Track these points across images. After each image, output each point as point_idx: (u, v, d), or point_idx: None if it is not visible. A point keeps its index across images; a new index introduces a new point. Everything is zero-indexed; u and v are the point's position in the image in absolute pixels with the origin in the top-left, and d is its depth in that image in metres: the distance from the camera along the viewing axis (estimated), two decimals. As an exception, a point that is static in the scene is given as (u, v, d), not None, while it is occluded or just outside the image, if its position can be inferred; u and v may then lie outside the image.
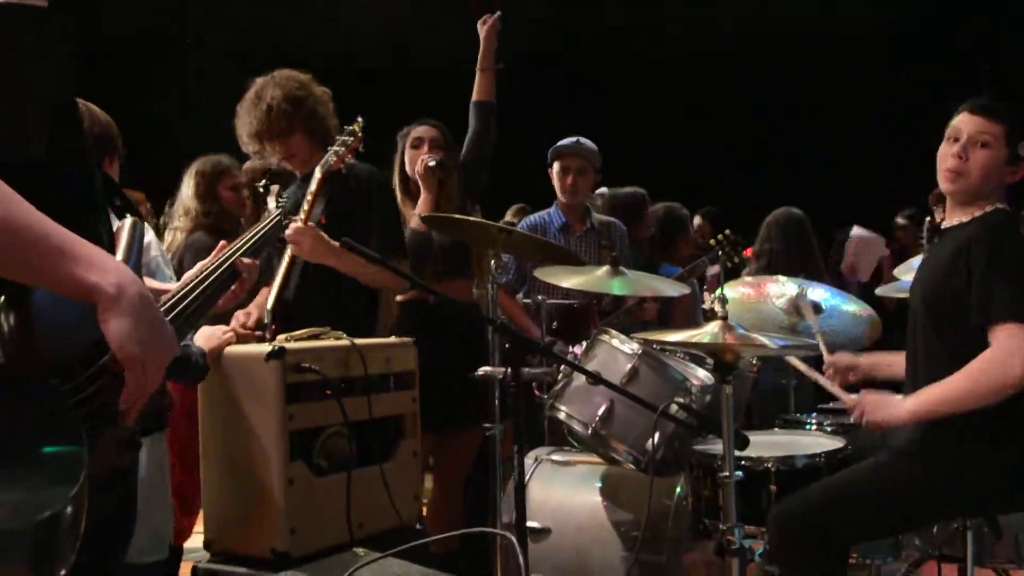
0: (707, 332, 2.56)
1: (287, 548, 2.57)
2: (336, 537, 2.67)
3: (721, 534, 2.58)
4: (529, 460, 3.36)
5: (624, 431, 2.87)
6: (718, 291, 2.66)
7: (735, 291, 3.95)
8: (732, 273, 4.85)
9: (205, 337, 2.72)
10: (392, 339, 3.02)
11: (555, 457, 3.35)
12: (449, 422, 3.50)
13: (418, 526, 2.98)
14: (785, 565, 2.72)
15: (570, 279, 3.44)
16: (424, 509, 3.70)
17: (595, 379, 2.61)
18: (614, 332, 3.01)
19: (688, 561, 3.15)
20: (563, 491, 3.30)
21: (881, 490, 2.68)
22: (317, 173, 3.13)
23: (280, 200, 3.10)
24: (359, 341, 2.87)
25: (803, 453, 2.94)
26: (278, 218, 2.74)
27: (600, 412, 2.87)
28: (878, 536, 2.91)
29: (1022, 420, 2.58)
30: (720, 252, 4.89)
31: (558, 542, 3.19)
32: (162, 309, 1.68)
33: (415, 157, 3.75)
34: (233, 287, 2.21)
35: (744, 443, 2.76)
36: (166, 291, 2.05)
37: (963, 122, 2.68)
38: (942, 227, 2.82)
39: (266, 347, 2.64)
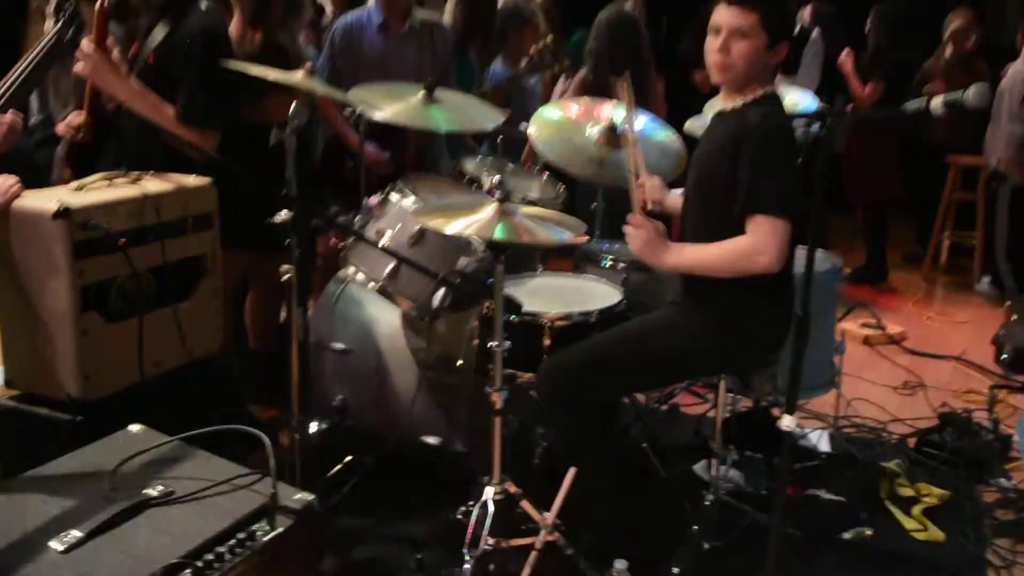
0: (482, 220, 2.67)
1: (81, 394, 2.75)
2: (129, 378, 2.85)
3: (490, 394, 2.82)
4: (336, 283, 3.52)
5: (408, 289, 3.05)
6: (496, 178, 2.75)
7: (559, 111, 4.03)
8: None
9: None
10: (191, 181, 3.06)
11: (359, 278, 3.47)
12: (262, 244, 3.57)
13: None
14: (551, 419, 3.01)
15: (385, 106, 3.46)
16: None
17: (377, 246, 2.74)
18: (407, 190, 3.09)
19: (477, 384, 3.44)
20: (366, 314, 3.49)
21: (640, 353, 2.93)
22: None
23: (61, 15, 2.90)
24: (152, 188, 2.91)
25: (578, 310, 3.16)
26: (51, 41, 2.67)
27: (387, 271, 3.02)
28: (635, 392, 3.21)
29: (766, 286, 2.81)
30: (541, 60, 4.69)
31: (359, 362, 3.43)
32: None
33: None
34: None
35: (517, 310, 2.98)
36: None
37: (720, 15, 2.76)
38: (720, 110, 2.93)
39: (53, 204, 2.66)
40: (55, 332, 2.74)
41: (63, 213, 2.65)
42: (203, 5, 3.31)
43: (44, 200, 2.72)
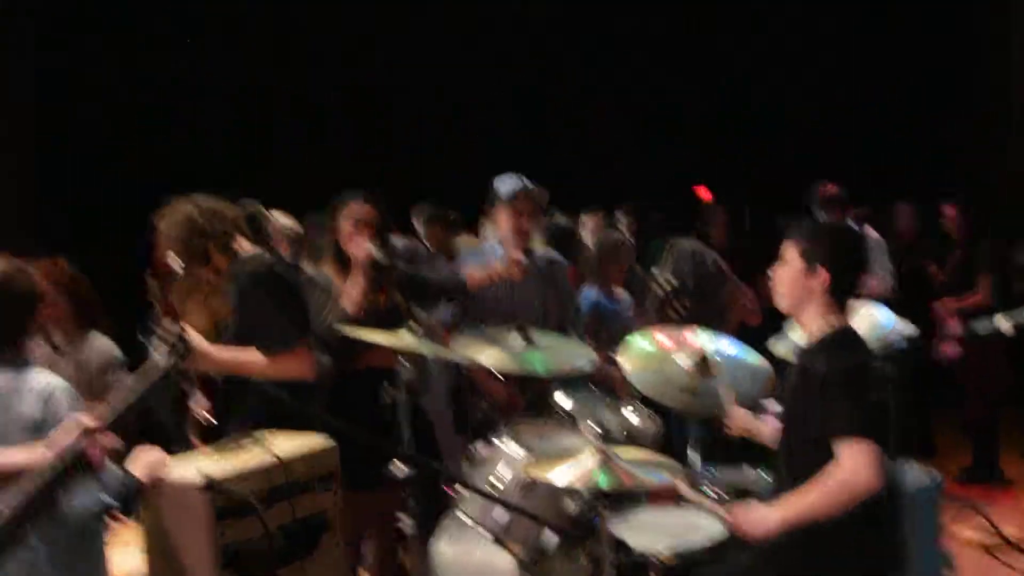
0: (585, 468, 2.86)
1: (220, 651, 2.94)
2: (266, 633, 3.03)
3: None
4: (468, 520, 3.65)
5: (519, 535, 3.22)
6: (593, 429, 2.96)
7: (649, 342, 4.25)
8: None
9: (142, 464, 3.00)
10: (315, 443, 3.32)
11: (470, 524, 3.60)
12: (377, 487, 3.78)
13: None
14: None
15: (485, 353, 3.74)
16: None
17: (489, 497, 2.94)
18: (511, 438, 3.32)
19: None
20: (482, 555, 3.62)
21: None
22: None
23: (172, 349, 3.04)
24: (281, 450, 3.19)
25: (685, 545, 3.27)
26: (160, 372, 2.90)
27: (498, 520, 3.21)
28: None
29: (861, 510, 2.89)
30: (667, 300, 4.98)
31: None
32: None
33: (353, 236, 3.93)
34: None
35: (627, 551, 3.12)
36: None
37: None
38: (800, 346, 3.13)
39: (197, 476, 2.94)
40: (198, 591, 2.97)
41: (210, 485, 2.93)
42: (255, 254, 3.63)
43: (187, 469, 3.01)
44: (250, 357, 3.47)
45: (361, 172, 6.18)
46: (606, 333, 4.99)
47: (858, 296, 3.19)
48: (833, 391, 2.86)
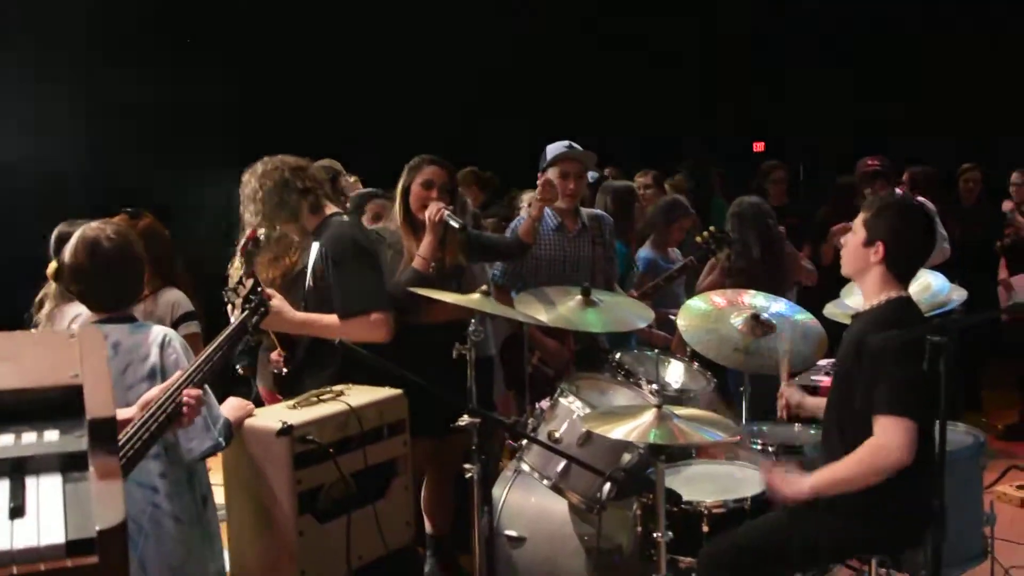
0: (642, 424, 3.02)
1: (299, 587, 3.18)
2: (339, 573, 3.26)
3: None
4: (509, 471, 3.89)
5: (577, 484, 3.40)
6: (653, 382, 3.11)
7: (705, 303, 4.40)
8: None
9: (231, 408, 3.21)
10: (385, 392, 3.52)
11: (529, 472, 3.81)
12: (442, 429, 3.98)
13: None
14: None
15: (546, 313, 3.91)
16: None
17: (551, 448, 3.12)
18: (572, 394, 3.48)
19: (642, 569, 3.70)
20: (538, 501, 3.83)
21: (787, 538, 3.18)
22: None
23: (248, 305, 3.21)
24: (354, 401, 3.39)
25: (732, 497, 3.44)
26: (238, 328, 3.05)
27: (558, 469, 3.39)
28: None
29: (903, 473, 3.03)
30: (708, 248, 5.17)
31: (532, 549, 3.75)
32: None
33: (424, 197, 4.06)
34: (179, 419, 2.60)
35: (677, 501, 3.28)
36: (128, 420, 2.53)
37: None
38: (856, 311, 3.26)
39: (277, 423, 3.16)
40: (276, 532, 3.19)
41: (286, 431, 3.14)
42: (339, 218, 3.82)
43: (269, 419, 3.22)
44: (325, 320, 3.67)
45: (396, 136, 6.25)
46: (659, 292, 5.12)
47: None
48: (877, 366, 2.97)
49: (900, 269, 3.14)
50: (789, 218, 6.31)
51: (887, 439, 2.94)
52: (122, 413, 2.58)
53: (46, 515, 1.35)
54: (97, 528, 1.31)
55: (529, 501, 3.82)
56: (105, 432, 1.44)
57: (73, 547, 1.30)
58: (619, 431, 3.03)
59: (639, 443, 3.16)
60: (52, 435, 1.46)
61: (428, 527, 4.40)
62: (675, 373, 4.38)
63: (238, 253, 3.62)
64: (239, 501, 3.29)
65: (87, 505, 1.36)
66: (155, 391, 2.62)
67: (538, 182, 4.38)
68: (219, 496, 3.23)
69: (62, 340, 1.63)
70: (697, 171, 8.42)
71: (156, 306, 4.25)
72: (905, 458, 2.94)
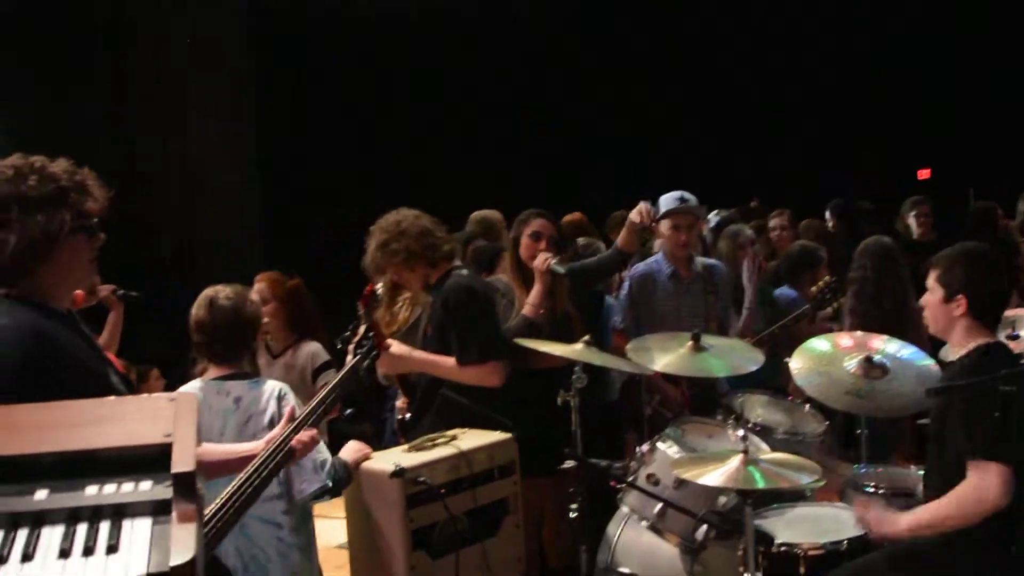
0: (728, 469, 3.15)
1: (412, 619, 3.44)
2: (450, 603, 3.51)
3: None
4: (625, 509, 4.05)
5: (674, 526, 3.54)
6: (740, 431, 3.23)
7: (828, 344, 4.42)
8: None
9: (350, 451, 3.54)
10: (496, 437, 3.76)
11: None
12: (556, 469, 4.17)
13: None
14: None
15: (658, 360, 4.05)
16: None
17: (647, 493, 3.28)
18: (672, 439, 3.63)
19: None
20: (649, 539, 3.97)
21: None
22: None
23: (359, 351, 3.49)
24: (465, 445, 3.64)
25: (830, 539, 3.49)
26: (350, 373, 3.35)
27: (656, 511, 3.55)
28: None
29: (994, 530, 3.03)
30: (823, 298, 5.17)
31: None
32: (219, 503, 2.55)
33: (534, 248, 4.34)
34: (293, 456, 2.92)
35: (768, 543, 3.38)
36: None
37: None
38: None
39: (390, 466, 3.44)
40: (391, 566, 3.47)
41: (399, 473, 3.42)
42: (463, 271, 4.12)
43: (385, 462, 3.52)
44: (446, 363, 3.98)
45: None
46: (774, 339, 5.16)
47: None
48: (967, 412, 3.01)
49: (985, 316, 3.16)
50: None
51: (981, 481, 2.97)
52: (248, 447, 2.94)
53: (135, 552, 1.64)
54: (171, 564, 1.59)
55: (641, 539, 3.97)
56: (185, 483, 1.73)
57: (151, 579, 1.59)
58: (707, 476, 3.16)
59: (728, 487, 3.27)
60: (146, 485, 1.76)
61: (551, 560, 4.60)
62: (789, 416, 4.43)
63: (360, 307, 3.96)
64: (359, 536, 3.59)
65: (167, 544, 1.65)
66: (277, 430, 2.96)
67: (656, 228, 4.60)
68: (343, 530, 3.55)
69: (162, 403, 1.94)
70: (842, 210, 8.32)
71: (296, 358, 4.65)
72: (1001, 501, 2.96)
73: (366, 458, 3.56)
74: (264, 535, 3.21)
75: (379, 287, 4.00)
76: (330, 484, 3.29)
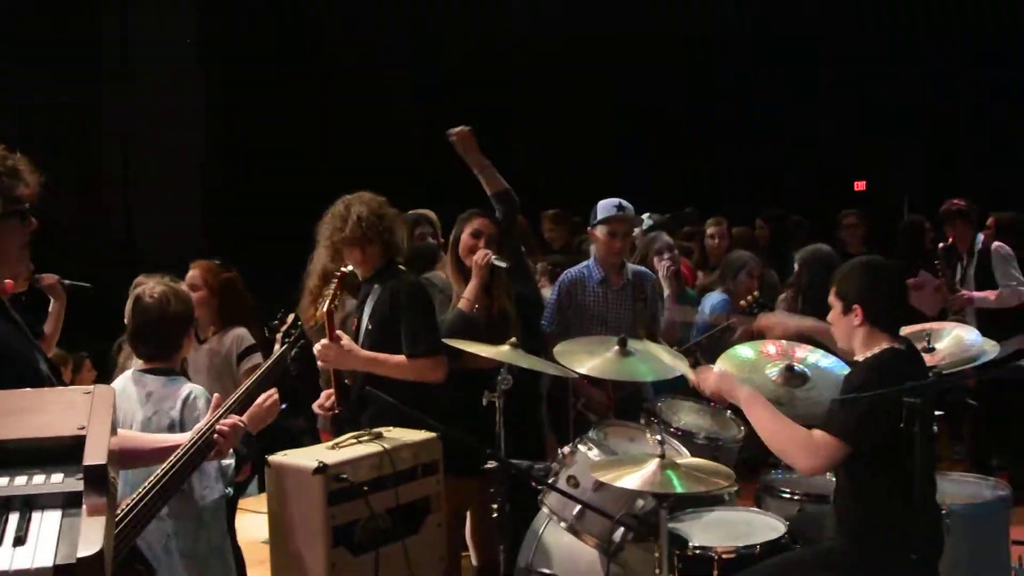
0: (645, 473, 3.23)
1: (330, 616, 3.45)
2: (369, 600, 3.53)
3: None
4: (546, 509, 4.11)
5: (592, 528, 3.61)
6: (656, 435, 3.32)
7: (753, 351, 4.52)
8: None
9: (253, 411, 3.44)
10: (420, 436, 3.78)
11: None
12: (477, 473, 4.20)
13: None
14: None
15: (584, 363, 4.12)
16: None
17: (566, 495, 3.35)
18: (593, 443, 3.70)
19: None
20: (570, 540, 4.03)
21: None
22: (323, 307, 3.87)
23: (287, 339, 3.58)
24: (389, 443, 3.66)
25: (743, 543, 3.59)
26: (280, 359, 3.42)
27: (575, 512, 3.61)
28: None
29: (899, 537, 3.15)
30: (751, 312, 5.26)
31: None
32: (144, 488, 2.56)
33: (474, 246, 4.41)
34: (211, 454, 2.90)
35: (683, 545, 3.47)
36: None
37: None
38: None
39: (313, 462, 3.46)
40: (311, 562, 3.48)
41: (321, 469, 3.43)
42: (399, 266, 4.15)
43: (307, 458, 3.53)
44: (392, 360, 4.01)
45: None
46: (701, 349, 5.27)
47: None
48: (843, 398, 3.19)
49: (884, 322, 3.28)
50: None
51: (827, 449, 3.16)
52: (174, 438, 2.95)
53: (43, 544, 1.66)
54: (77, 556, 1.61)
55: (561, 540, 4.03)
56: (97, 476, 1.74)
57: (58, 571, 1.60)
58: (625, 480, 3.24)
59: (644, 490, 3.35)
60: (57, 477, 1.78)
61: (474, 559, 4.65)
62: (709, 422, 4.52)
63: (333, 286, 3.92)
64: (280, 532, 3.59)
65: (76, 537, 1.66)
66: (202, 422, 2.97)
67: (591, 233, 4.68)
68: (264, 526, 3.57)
69: (79, 396, 1.95)
70: (776, 220, 8.51)
71: (222, 343, 4.64)
72: (808, 469, 3.26)
73: (274, 403, 3.37)
74: (155, 534, 3.21)
75: (349, 267, 3.99)
76: (230, 492, 3.29)
